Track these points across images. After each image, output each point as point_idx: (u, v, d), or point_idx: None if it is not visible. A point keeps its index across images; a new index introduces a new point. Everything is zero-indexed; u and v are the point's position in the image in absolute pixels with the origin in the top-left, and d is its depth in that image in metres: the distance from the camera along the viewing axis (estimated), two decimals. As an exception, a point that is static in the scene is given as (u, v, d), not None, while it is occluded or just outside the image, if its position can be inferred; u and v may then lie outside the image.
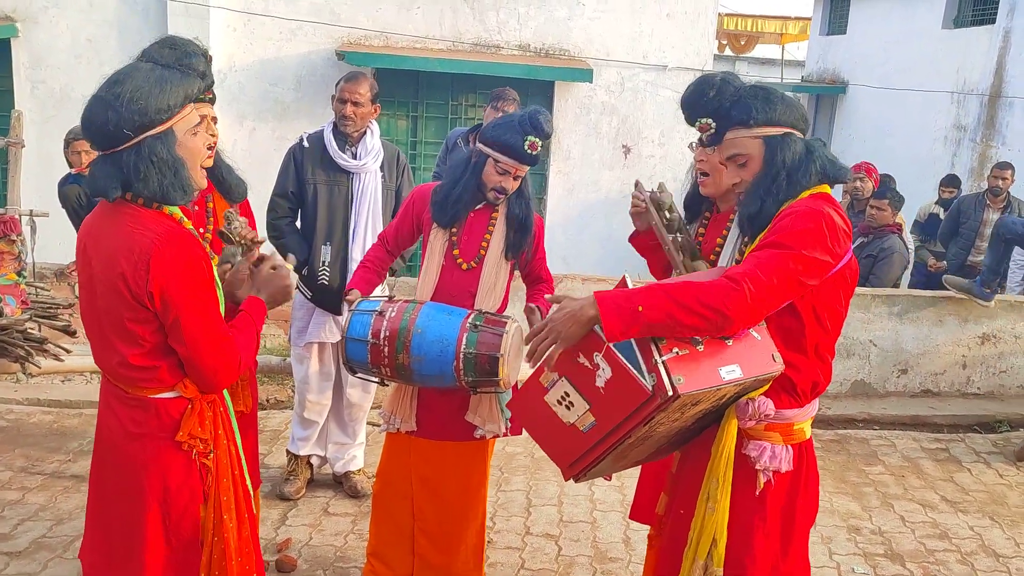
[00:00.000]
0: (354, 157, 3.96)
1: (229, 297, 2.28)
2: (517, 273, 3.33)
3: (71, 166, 5.54)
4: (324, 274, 3.98)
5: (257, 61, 8.45)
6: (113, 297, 2.02)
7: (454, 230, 3.10)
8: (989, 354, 6.26)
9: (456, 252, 3.09)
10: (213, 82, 2.23)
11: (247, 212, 3.76)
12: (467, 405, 3.09)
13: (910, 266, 6.88)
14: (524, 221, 3.11)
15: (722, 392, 2.06)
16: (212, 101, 2.70)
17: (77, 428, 4.98)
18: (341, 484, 4.35)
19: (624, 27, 8.91)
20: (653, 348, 1.97)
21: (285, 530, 3.94)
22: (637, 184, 2.72)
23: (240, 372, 2.17)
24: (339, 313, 4.06)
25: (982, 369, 6.28)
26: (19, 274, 4.05)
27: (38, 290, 4.27)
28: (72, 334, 4.01)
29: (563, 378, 2.13)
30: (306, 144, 3.99)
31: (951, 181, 8.58)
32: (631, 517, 3.05)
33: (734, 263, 2.58)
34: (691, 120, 2.35)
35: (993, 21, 11.83)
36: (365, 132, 4.00)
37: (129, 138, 1.97)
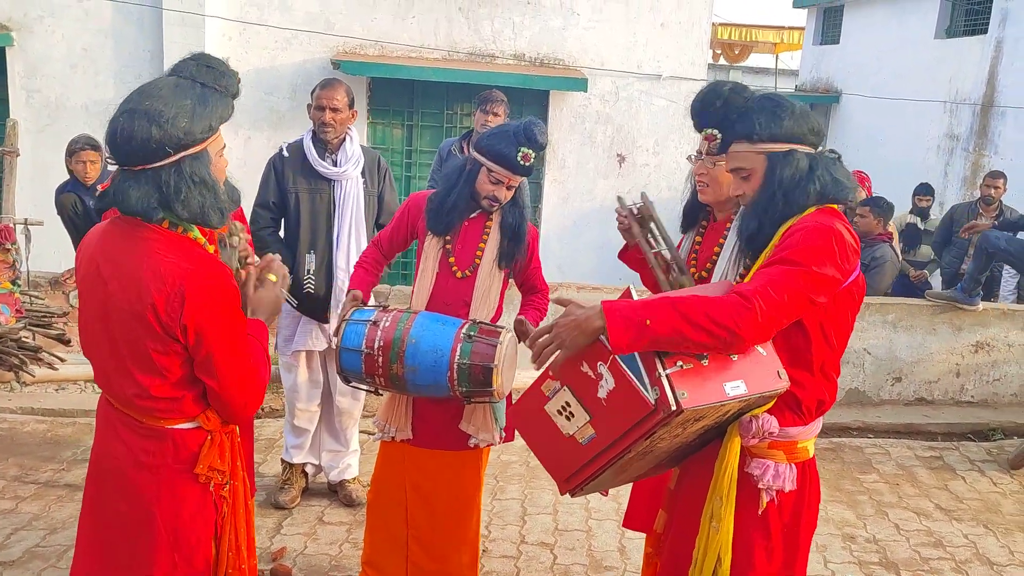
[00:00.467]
0: (335, 164, 3.95)
1: None
2: (511, 282, 3.33)
3: (71, 175, 5.54)
4: (309, 283, 3.97)
5: (252, 70, 8.46)
6: (138, 327, 1.95)
7: (449, 238, 3.10)
8: (983, 362, 6.28)
9: (451, 260, 3.09)
10: None
11: (241, 221, 3.77)
12: (461, 414, 3.09)
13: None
14: (518, 230, 3.12)
15: (726, 408, 2.02)
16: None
17: (71, 437, 4.97)
18: (336, 493, 4.34)
19: (618, 37, 8.95)
20: (657, 361, 1.94)
21: (280, 539, 3.93)
22: (619, 200, 2.68)
23: (262, 400, 2.14)
24: (325, 321, 4.05)
25: (976, 377, 6.30)
26: (13, 283, 4.04)
27: (32, 299, 4.26)
28: (67, 343, 4.00)
29: (565, 387, 2.09)
30: (286, 153, 3.97)
31: (925, 190, 8.56)
32: (625, 525, 3.05)
33: (731, 273, 2.59)
34: (698, 128, 2.34)
35: (985, 31, 11.90)
36: (344, 139, 3.98)
37: (168, 156, 1.92)
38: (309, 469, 4.37)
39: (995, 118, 11.52)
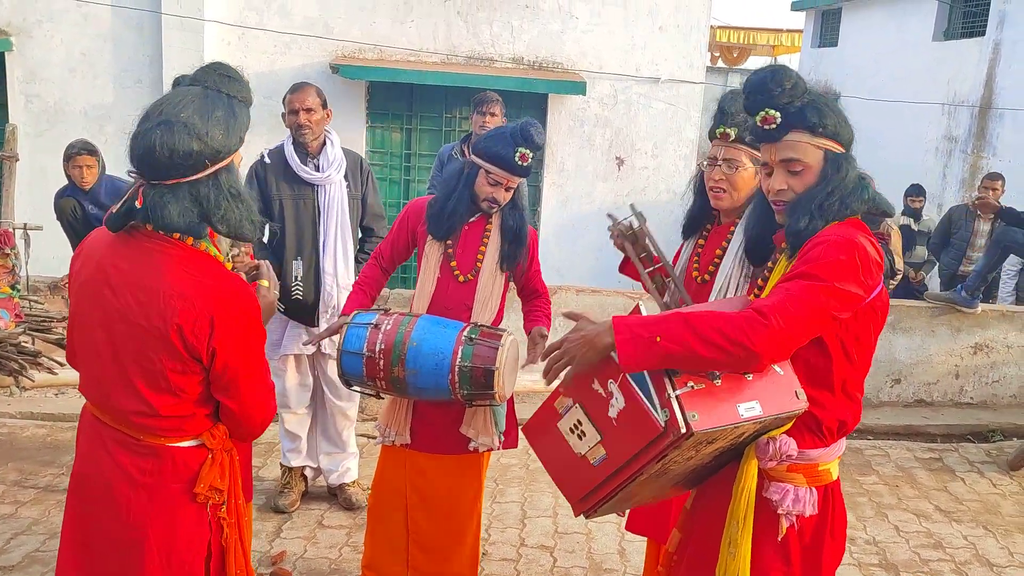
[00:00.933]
0: (317, 169, 3.94)
1: None
2: (513, 285, 3.34)
3: (69, 180, 5.55)
4: (297, 289, 3.96)
5: (251, 74, 8.23)
6: (157, 344, 1.89)
7: (450, 243, 3.11)
8: (982, 364, 6.29)
9: (453, 264, 3.10)
10: None
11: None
12: (462, 418, 3.10)
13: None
14: (518, 232, 3.13)
15: (741, 430, 1.93)
16: None
17: (70, 442, 4.96)
18: (336, 496, 4.34)
19: (617, 40, 8.96)
20: (666, 381, 1.85)
21: (280, 543, 3.93)
22: (611, 217, 2.65)
23: (274, 414, 2.12)
24: (314, 325, 4.04)
25: (975, 379, 6.31)
26: (13, 287, 4.04)
27: (32, 303, 4.27)
28: (65, 347, 4.00)
29: (577, 405, 2.02)
30: (267, 160, 3.95)
31: (917, 191, 8.55)
32: (627, 528, 3.04)
33: (735, 276, 2.57)
34: (752, 108, 2.10)
35: (983, 33, 11.92)
36: (325, 142, 3.97)
37: (205, 168, 1.88)
38: (308, 472, 4.37)
39: (993, 120, 11.54)
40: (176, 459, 2.01)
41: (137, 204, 1.90)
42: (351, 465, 4.34)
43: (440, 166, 5.22)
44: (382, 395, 3.08)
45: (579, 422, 2.01)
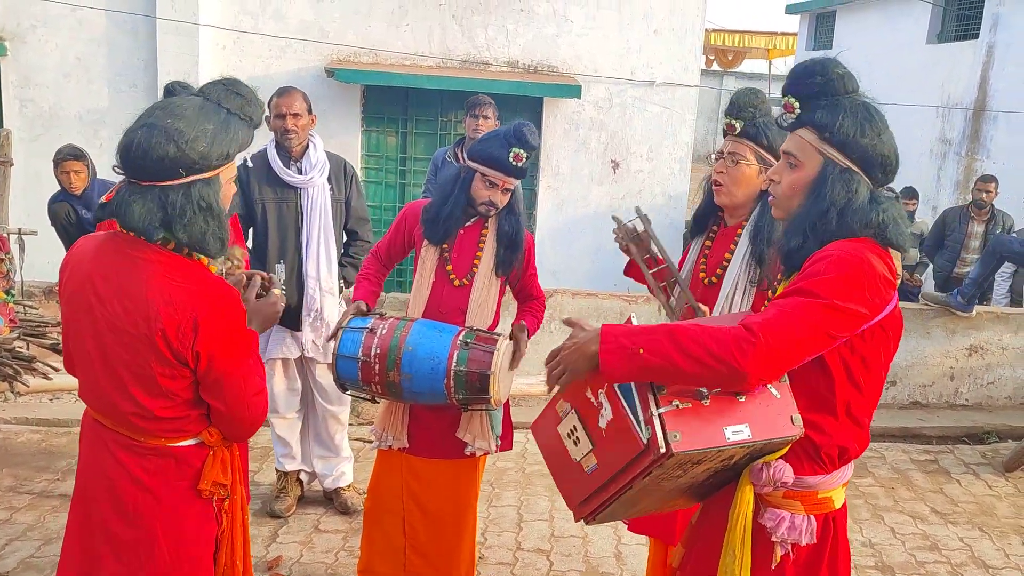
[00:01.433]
0: (300, 172, 3.93)
1: None
2: (508, 290, 3.34)
3: (60, 185, 5.54)
4: (280, 292, 3.95)
5: (246, 78, 8.16)
6: (144, 350, 1.91)
7: (446, 247, 3.11)
8: (977, 366, 6.30)
9: (449, 268, 3.10)
10: None
11: (235, 229, 3.76)
12: (458, 422, 3.09)
13: None
14: (514, 238, 3.12)
15: (728, 454, 1.85)
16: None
17: (65, 447, 4.96)
18: (331, 500, 4.33)
19: (612, 43, 8.97)
20: (651, 398, 1.80)
21: (276, 547, 3.92)
22: (616, 219, 2.63)
23: (265, 416, 2.13)
24: (298, 329, 4.04)
25: (970, 381, 6.32)
26: (7, 292, 4.03)
27: (26, 308, 4.25)
28: (61, 353, 3.99)
29: (574, 411, 2.00)
30: (250, 164, 3.94)
31: (910, 193, 8.57)
32: (630, 529, 3.03)
33: (742, 280, 2.56)
34: (783, 91, 2.02)
35: (976, 36, 11.97)
36: (308, 146, 3.97)
37: (179, 176, 1.88)
38: (304, 477, 4.37)
39: (987, 122, 11.58)
40: (179, 458, 2.04)
41: (105, 199, 1.95)
42: (345, 469, 4.33)
43: (435, 170, 5.22)
44: (378, 399, 3.08)
45: (575, 428, 1.99)
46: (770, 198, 2.05)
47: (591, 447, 1.95)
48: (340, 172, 4.09)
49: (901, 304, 6.40)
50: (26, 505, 4.24)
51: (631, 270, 2.77)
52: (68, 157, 5.44)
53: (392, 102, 8.85)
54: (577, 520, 2.12)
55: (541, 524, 4.28)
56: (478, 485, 3.26)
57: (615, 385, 1.87)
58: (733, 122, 2.54)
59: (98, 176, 5.50)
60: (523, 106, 8.70)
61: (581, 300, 5.94)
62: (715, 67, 20.29)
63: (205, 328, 1.91)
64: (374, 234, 4.40)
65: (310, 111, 3.97)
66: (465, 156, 3.14)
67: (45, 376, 3.98)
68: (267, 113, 4.01)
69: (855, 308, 1.80)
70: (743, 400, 1.85)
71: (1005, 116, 11.17)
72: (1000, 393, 6.35)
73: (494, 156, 2.98)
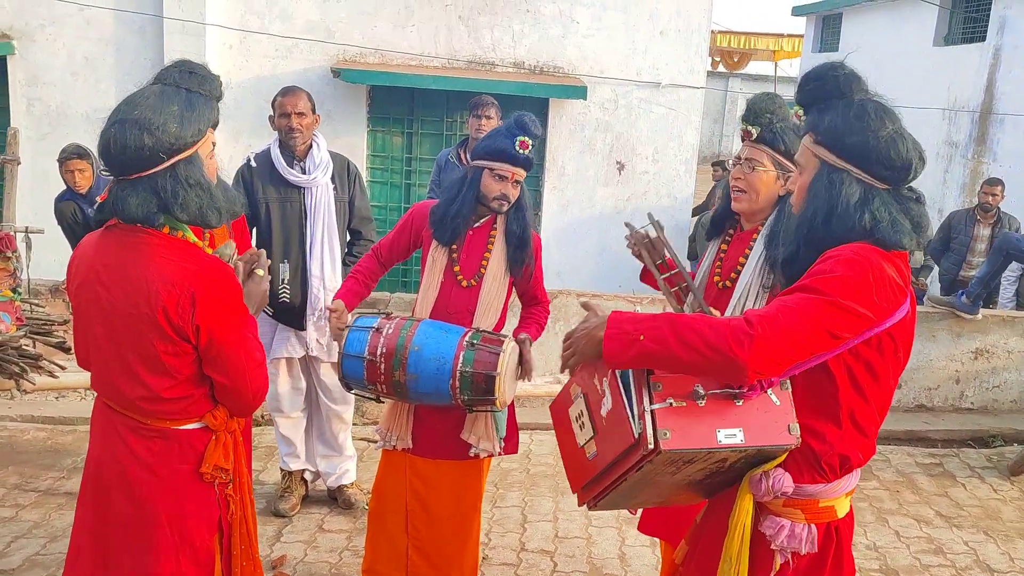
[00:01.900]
0: (304, 172, 3.94)
1: None
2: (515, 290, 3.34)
3: (65, 184, 5.56)
4: (284, 292, 3.97)
5: (253, 78, 8.48)
6: (147, 330, 2.00)
7: (454, 247, 3.11)
8: (982, 369, 6.29)
9: (457, 269, 3.10)
10: None
11: (242, 229, 3.77)
12: (463, 423, 3.09)
13: None
14: (522, 236, 3.12)
15: (720, 456, 1.84)
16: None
17: (71, 445, 4.97)
18: (335, 499, 4.34)
19: (618, 44, 8.97)
20: (645, 392, 1.81)
21: (280, 547, 3.93)
22: (628, 226, 2.62)
23: (267, 389, 2.21)
24: (302, 328, 4.04)
25: (976, 384, 6.30)
26: (14, 291, 4.05)
27: (33, 307, 4.27)
28: (67, 351, 4.00)
29: (583, 395, 2.02)
30: (253, 163, 3.96)
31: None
32: (639, 529, 3.03)
33: (755, 284, 2.56)
34: (795, 100, 2.03)
35: (983, 39, 11.94)
36: (311, 145, 3.97)
37: (162, 162, 1.97)
38: (308, 476, 4.37)
39: (994, 125, 11.55)
40: (182, 441, 2.12)
41: (100, 200, 2.04)
42: (349, 467, 4.33)
43: (438, 171, 5.22)
44: (382, 399, 3.08)
45: (582, 412, 2.02)
46: (782, 233, 2.04)
47: (593, 434, 1.97)
48: (344, 171, 4.10)
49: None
50: (32, 503, 4.25)
51: (647, 276, 2.77)
52: (72, 156, 5.46)
53: (398, 102, 8.86)
54: (580, 505, 2.13)
55: (545, 525, 4.28)
56: (482, 487, 3.26)
57: (618, 375, 1.88)
58: (750, 128, 2.54)
59: (102, 178, 5.52)
60: (529, 107, 8.69)
61: (586, 301, 5.92)
62: (721, 69, 20.27)
63: (202, 302, 1.99)
64: (378, 234, 4.41)
65: (314, 110, 3.98)
66: (470, 157, 3.14)
67: (51, 374, 3.99)
68: (270, 113, 4.02)
69: (859, 309, 1.77)
70: (740, 404, 1.83)
71: (1012, 119, 11.14)
72: (1006, 397, 6.33)
73: (500, 148, 2.99)
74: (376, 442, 3.28)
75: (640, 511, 2.88)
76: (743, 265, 2.59)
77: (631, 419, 1.82)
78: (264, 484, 4.49)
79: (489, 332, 2.99)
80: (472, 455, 3.11)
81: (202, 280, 2.00)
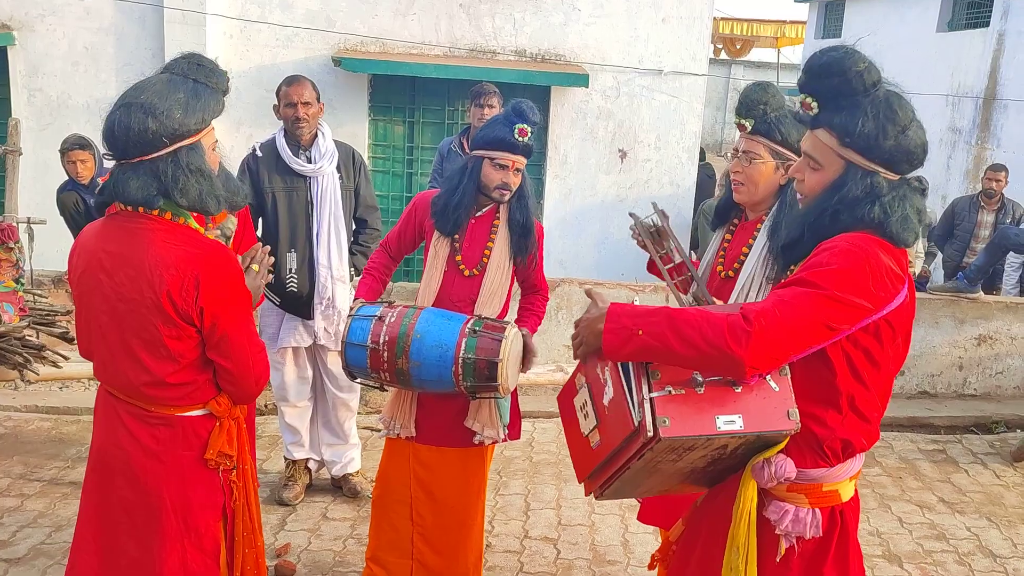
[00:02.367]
0: (309, 161, 3.94)
1: None
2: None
3: (67, 174, 5.56)
4: (292, 282, 3.97)
5: (254, 67, 8.46)
6: (151, 314, 2.02)
7: (456, 237, 3.11)
8: (985, 355, 6.28)
9: (459, 259, 3.10)
10: None
11: (244, 220, 3.77)
12: (466, 411, 3.10)
13: None
14: (525, 224, 3.12)
15: (720, 443, 1.85)
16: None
17: (75, 435, 4.99)
18: (340, 488, 4.35)
19: (620, 32, 8.93)
20: (644, 381, 1.83)
21: (284, 535, 3.94)
22: (633, 216, 2.61)
23: (268, 375, 2.24)
24: (309, 317, 4.05)
25: (979, 370, 6.30)
26: (17, 281, 4.05)
27: (36, 297, 4.28)
28: (70, 341, 4.02)
29: (587, 385, 2.04)
30: (259, 153, 3.96)
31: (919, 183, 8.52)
32: (639, 519, 3.04)
33: (759, 274, 2.55)
34: (800, 87, 1.95)
35: (987, 24, 11.88)
36: (316, 135, 3.97)
37: (164, 146, 1.99)
38: (312, 465, 4.39)
39: (997, 111, 11.51)
40: (186, 428, 2.14)
41: (100, 181, 2.07)
42: (354, 455, 4.35)
43: (440, 160, 5.21)
44: (386, 387, 3.09)
45: (586, 402, 2.03)
46: (799, 196, 2.02)
47: (596, 423, 1.99)
48: (349, 160, 4.10)
49: (917, 292, 6.31)
50: (36, 492, 4.27)
51: (653, 267, 2.76)
52: (74, 147, 5.46)
53: (399, 91, 8.84)
54: (587, 494, 2.15)
55: (548, 512, 4.30)
56: (486, 474, 3.27)
57: (619, 364, 1.90)
58: (743, 122, 2.53)
59: (106, 164, 5.52)
60: (530, 95, 8.67)
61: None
62: (723, 56, 20.21)
63: (206, 285, 2.02)
64: (382, 223, 4.41)
65: (319, 99, 3.98)
66: (471, 149, 3.13)
67: (55, 364, 4.01)
68: (275, 102, 4.02)
69: (856, 300, 1.77)
70: (739, 390, 1.84)
71: (1016, 105, 11.09)
72: (1009, 383, 6.33)
73: (499, 137, 2.98)
74: (380, 431, 3.29)
75: (639, 507, 2.91)
76: (746, 255, 2.59)
77: (631, 407, 1.83)
78: (268, 473, 4.50)
79: (491, 319, 2.99)
80: (476, 442, 3.12)
81: (206, 263, 2.02)
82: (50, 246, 5.87)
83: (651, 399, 1.81)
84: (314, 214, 3.96)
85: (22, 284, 4.10)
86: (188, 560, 2.16)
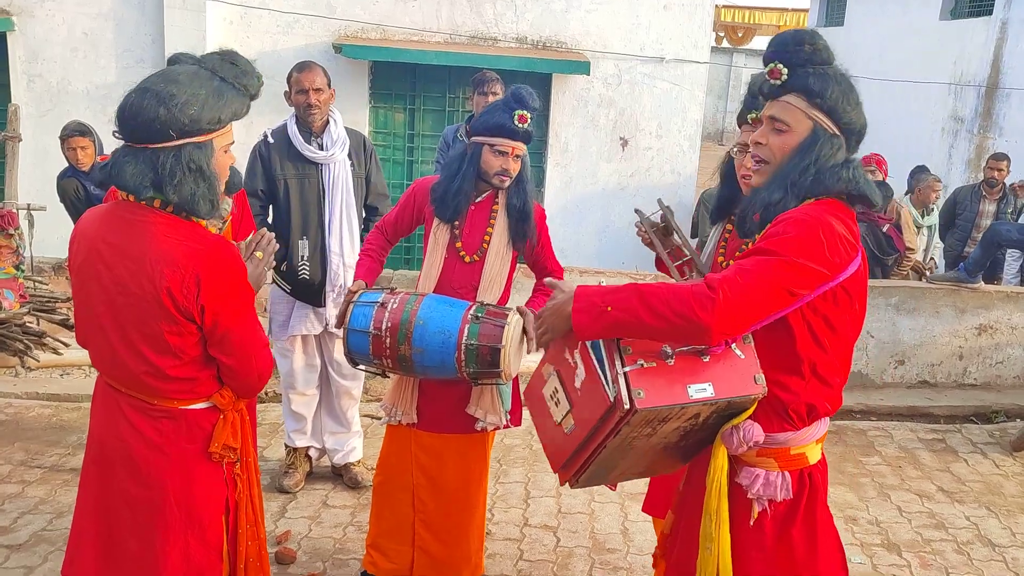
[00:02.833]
0: (321, 148, 3.92)
1: None
2: (520, 265, 3.33)
3: (68, 161, 5.55)
4: (304, 269, 3.96)
5: (254, 54, 8.30)
6: (151, 309, 1.99)
7: (456, 223, 3.10)
8: (986, 345, 6.28)
9: (459, 245, 3.09)
10: None
11: (242, 203, 3.76)
12: (468, 397, 3.10)
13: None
14: (522, 209, 3.12)
15: (693, 411, 1.92)
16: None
17: (76, 422, 4.99)
18: (340, 476, 4.36)
19: (621, 19, 8.90)
20: (616, 357, 1.88)
21: (284, 523, 3.95)
22: (638, 212, 2.61)
23: (272, 370, 2.21)
24: (320, 305, 4.04)
25: (979, 360, 6.30)
26: (17, 268, 4.05)
27: (36, 284, 4.28)
28: (70, 328, 4.02)
29: (555, 372, 2.07)
30: (271, 139, 3.94)
31: (922, 172, 8.44)
32: (644, 510, 3.02)
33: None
34: (767, 59, 2.05)
35: (990, 12, 11.83)
36: (328, 121, 3.96)
37: (170, 139, 1.95)
38: (313, 453, 4.39)
39: (1000, 100, 11.48)
40: (190, 421, 2.12)
41: (100, 160, 2.00)
42: (356, 444, 4.35)
43: (445, 147, 5.19)
44: (388, 374, 3.09)
45: (556, 389, 2.07)
46: (752, 166, 2.08)
47: (569, 407, 2.02)
48: (360, 148, 4.09)
49: (911, 283, 6.33)
50: (37, 479, 4.27)
51: (661, 264, 2.76)
52: (74, 133, 5.45)
53: (400, 78, 8.81)
54: (562, 484, 2.18)
55: (548, 500, 4.30)
56: (487, 460, 3.27)
57: (588, 345, 1.95)
58: (759, 116, 2.50)
59: (105, 151, 5.50)
60: (531, 82, 8.62)
61: (589, 278, 5.94)
62: (725, 44, 20.12)
63: (207, 283, 1.98)
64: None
65: (330, 85, 3.96)
66: (471, 136, 3.12)
67: (55, 351, 4.01)
68: (285, 88, 4.00)
69: (813, 266, 1.86)
70: (707, 360, 1.92)
71: (1018, 94, 11.06)
72: (1009, 372, 6.33)
73: (498, 123, 2.97)
74: (380, 419, 3.29)
75: (644, 497, 2.94)
76: (748, 245, 2.58)
77: (605, 384, 1.88)
78: (268, 461, 4.51)
79: (494, 305, 2.99)
80: (478, 429, 3.12)
81: (207, 261, 1.99)
82: (50, 233, 5.87)
83: (625, 373, 1.86)
84: (326, 201, 3.95)
85: (22, 271, 4.10)
86: (191, 554, 2.14)
